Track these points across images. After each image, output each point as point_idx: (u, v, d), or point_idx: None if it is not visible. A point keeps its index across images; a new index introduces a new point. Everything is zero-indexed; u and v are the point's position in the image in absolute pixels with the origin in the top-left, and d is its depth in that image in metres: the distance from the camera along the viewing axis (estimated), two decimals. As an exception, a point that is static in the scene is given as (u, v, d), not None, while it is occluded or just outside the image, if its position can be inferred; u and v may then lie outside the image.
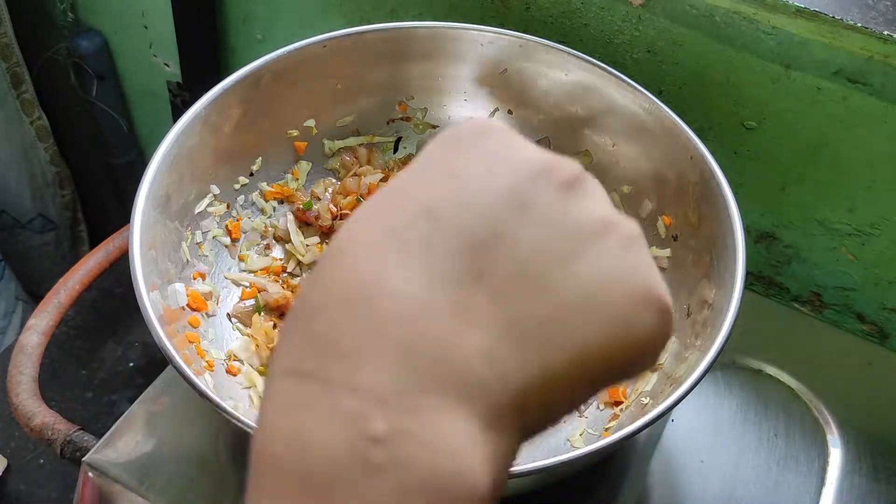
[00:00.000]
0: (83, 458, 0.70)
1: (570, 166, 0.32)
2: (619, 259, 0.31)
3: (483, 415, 0.27)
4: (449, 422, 0.27)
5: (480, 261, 0.29)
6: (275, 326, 0.76)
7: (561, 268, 0.30)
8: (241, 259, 0.80)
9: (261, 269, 0.81)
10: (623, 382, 0.33)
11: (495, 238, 0.29)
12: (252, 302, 0.78)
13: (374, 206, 0.31)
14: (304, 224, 0.84)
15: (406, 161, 0.89)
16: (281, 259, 0.82)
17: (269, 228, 0.83)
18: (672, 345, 0.73)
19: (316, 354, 0.27)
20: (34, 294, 1.42)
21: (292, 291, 0.80)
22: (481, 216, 0.29)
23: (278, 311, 0.79)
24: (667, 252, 0.78)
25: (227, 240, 0.80)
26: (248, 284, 0.79)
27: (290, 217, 0.83)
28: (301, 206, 0.83)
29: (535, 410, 0.29)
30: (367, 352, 0.27)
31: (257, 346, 0.75)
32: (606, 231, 0.31)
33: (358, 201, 0.84)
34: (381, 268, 0.28)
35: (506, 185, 0.30)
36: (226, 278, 0.78)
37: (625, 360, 0.31)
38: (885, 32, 0.71)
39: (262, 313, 0.77)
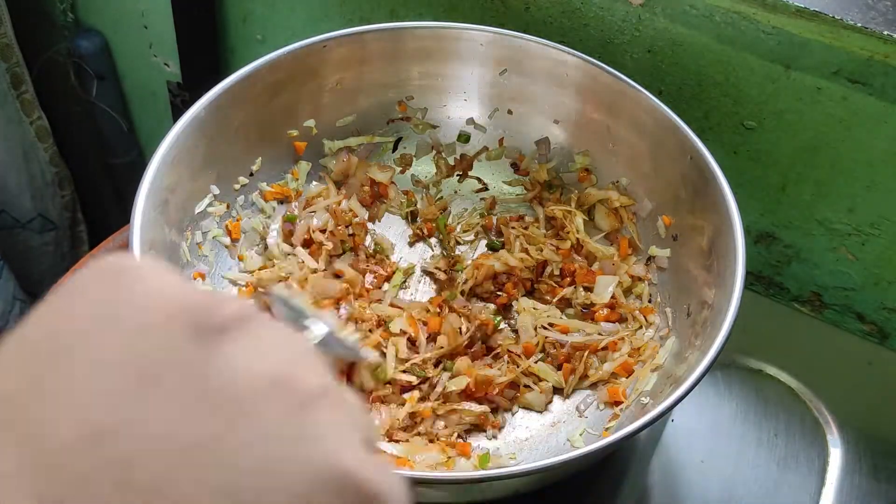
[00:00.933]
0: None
1: (224, 307, 0.24)
2: (290, 430, 0.23)
3: None
4: None
5: (69, 485, 0.20)
6: None
7: (199, 461, 0.21)
8: (240, 259, 0.80)
9: (259, 268, 0.80)
10: None
11: (98, 436, 0.21)
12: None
13: None
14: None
15: (404, 160, 0.89)
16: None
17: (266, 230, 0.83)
18: (672, 344, 0.73)
19: None
20: (33, 294, 1.42)
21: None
22: (80, 407, 0.21)
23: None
24: (667, 252, 0.78)
25: (227, 240, 0.80)
26: (244, 284, 0.79)
27: (278, 227, 0.83)
28: (287, 215, 0.83)
29: None
30: None
31: None
32: (270, 390, 0.23)
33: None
34: None
35: (127, 349, 0.22)
36: (224, 278, 0.78)
37: None
38: (885, 32, 0.71)
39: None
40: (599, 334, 0.76)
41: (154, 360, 0.22)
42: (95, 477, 0.21)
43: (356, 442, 0.24)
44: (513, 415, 0.75)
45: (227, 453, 0.22)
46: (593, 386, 0.75)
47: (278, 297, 0.60)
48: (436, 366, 0.75)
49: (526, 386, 0.75)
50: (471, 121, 0.88)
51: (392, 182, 0.87)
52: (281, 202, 0.84)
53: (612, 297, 0.78)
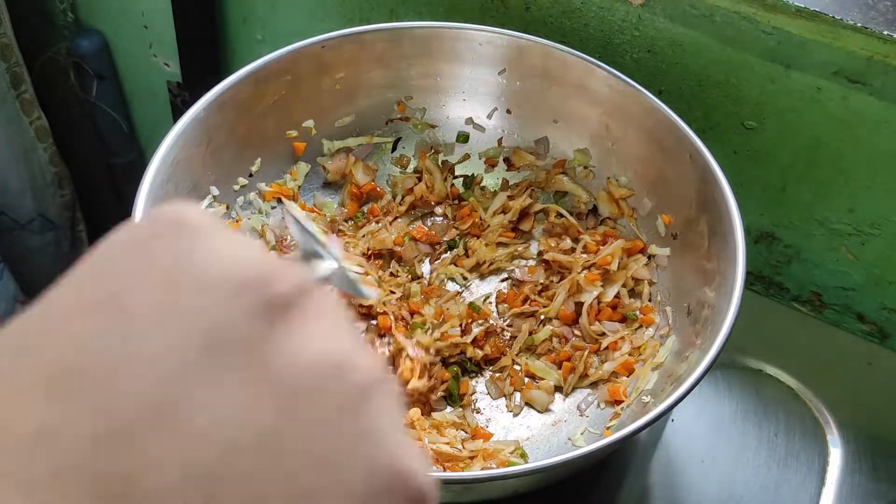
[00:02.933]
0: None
1: (285, 279, 0.23)
2: (345, 427, 0.22)
3: None
4: None
5: (117, 460, 0.19)
6: None
7: (255, 453, 0.20)
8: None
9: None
10: None
11: (153, 411, 0.20)
12: None
13: None
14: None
15: (402, 161, 0.89)
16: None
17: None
18: (673, 343, 0.73)
19: None
20: (33, 296, 1.42)
21: None
22: (135, 378, 0.20)
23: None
24: (666, 251, 0.78)
25: (227, 240, 0.80)
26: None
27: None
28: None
29: None
30: None
31: None
32: (333, 380, 0.22)
33: None
34: None
35: (188, 317, 0.21)
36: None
37: None
38: (885, 32, 0.71)
39: None
40: (602, 334, 0.76)
41: (217, 335, 0.21)
42: (159, 456, 0.20)
43: (406, 438, 0.24)
44: (515, 415, 0.75)
45: (286, 447, 0.21)
46: (594, 385, 0.75)
47: (293, 218, 0.59)
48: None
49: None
50: (469, 120, 0.88)
51: (373, 182, 0.87)
52: (280, 201, 0.84)
53: (616, 296, 0.78)
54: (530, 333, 0.78)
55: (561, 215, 0.84)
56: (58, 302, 0.22)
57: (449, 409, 0.74)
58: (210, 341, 0.21)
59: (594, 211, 0.85)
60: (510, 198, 0.86)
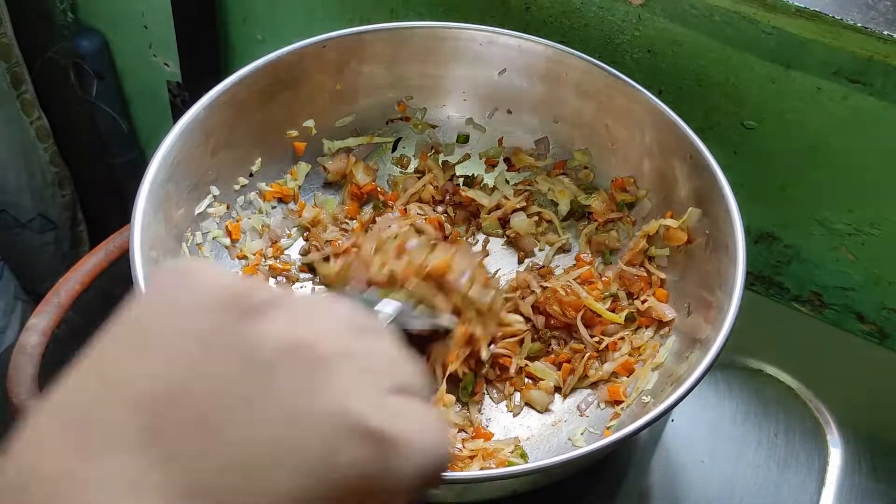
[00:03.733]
0: (83, 459, 0.70)
1: (260, 292, 0.29)
2: (308, 384, 0.27)
3: None
4: None
5: (154, 418, 0.26)
6: None
7: (240, 408, 0.26)
8: (239, 257, 0.80)
9: (256, 253, 0.81)
10: None
11: (173, 388, 0.27)
12: None
13: (61, 386, 0.29)
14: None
15: (402, 161, 0.89)
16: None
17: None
18: (673, 343, 0.73)
19: None
20: (33, 294, 1.42)
21: None
22: (158, 366, 0.27)
23: None
24: (666, 252, 0.78)
25: (227, 240, 0.80)
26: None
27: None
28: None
29: None
30: None
31: None
32: (292, 353, 0.28)
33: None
34: (33, 457, 0.26)
35: (187, 326, 0.28)
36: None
37: None
38: (885, 32, 0.71)
39: None
40: (603, 335, 0.76)
41: (208, 334, 0.28)
42: (175, 429, 0.26)
43: (373, 391, 0.28)
44: (515, 415, 0.75)
45: (259, 408, 0.27)
46: (594, 385, 0.75)
47: (350, 295, 0.65)
48: None
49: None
50: (470, 121, 0.88)
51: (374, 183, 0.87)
52: (280, 200, 0.84)
53: (616, 297, 0.79)
54: (532, 341, 0.77)
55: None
56: (108, 329, 0.30)
57: (456, 407, 0.74)
58: (202, 339, 0.28)
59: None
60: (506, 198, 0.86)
